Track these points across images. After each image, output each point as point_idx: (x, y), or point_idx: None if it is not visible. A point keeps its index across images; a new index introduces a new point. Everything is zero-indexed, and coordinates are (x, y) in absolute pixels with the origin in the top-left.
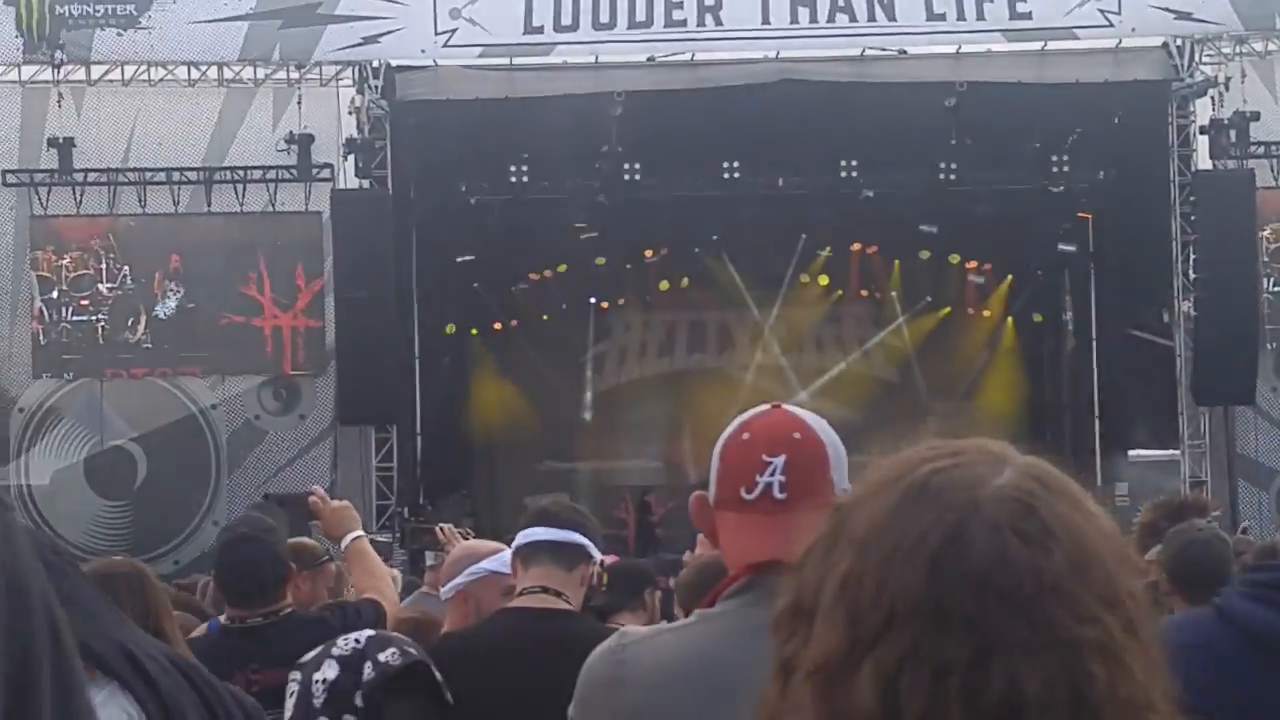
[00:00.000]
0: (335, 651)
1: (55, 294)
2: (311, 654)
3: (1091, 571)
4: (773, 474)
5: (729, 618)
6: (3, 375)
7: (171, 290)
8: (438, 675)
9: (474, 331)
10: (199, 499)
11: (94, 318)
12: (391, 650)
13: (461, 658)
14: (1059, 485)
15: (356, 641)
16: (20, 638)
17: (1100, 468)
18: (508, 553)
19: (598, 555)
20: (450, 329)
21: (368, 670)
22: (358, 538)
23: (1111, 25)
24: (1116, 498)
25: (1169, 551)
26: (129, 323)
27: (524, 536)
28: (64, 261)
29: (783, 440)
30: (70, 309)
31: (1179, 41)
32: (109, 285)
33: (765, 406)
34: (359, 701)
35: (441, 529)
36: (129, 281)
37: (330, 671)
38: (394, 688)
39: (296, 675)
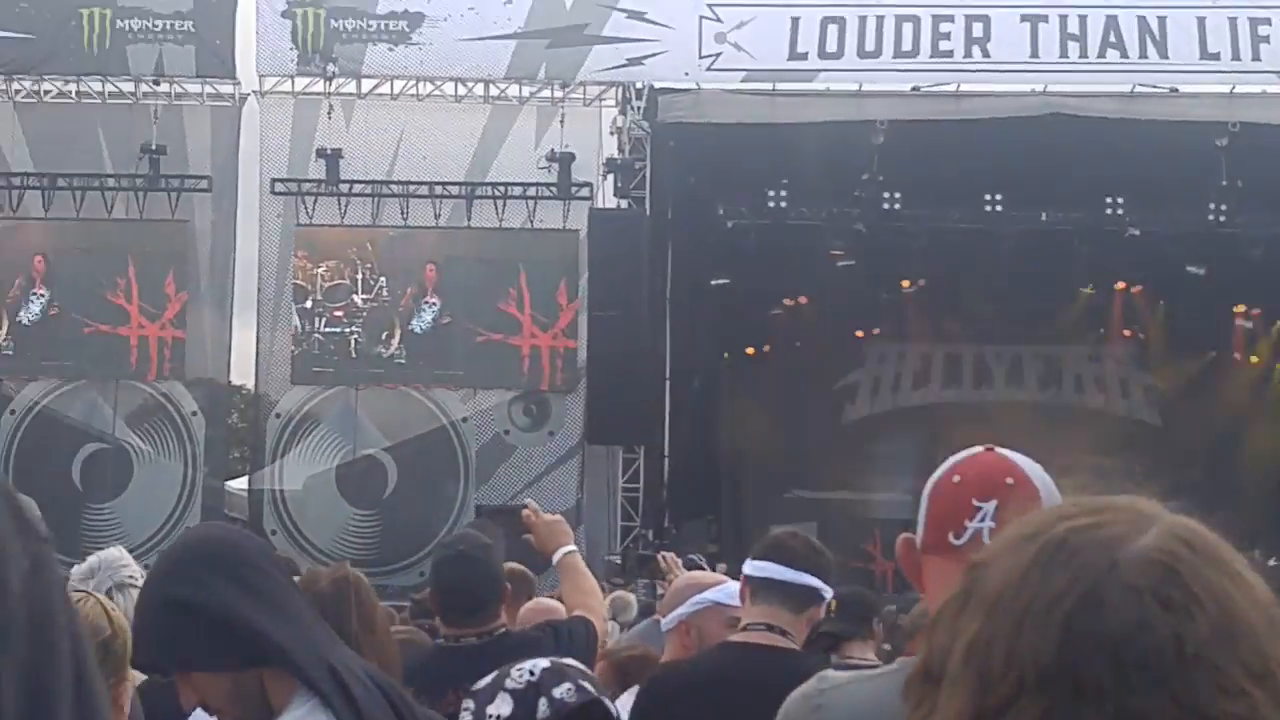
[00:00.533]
0: (509, 684)
1: (309, 303)
2: (485, 681)
3: (1239, 641)
4: (983, 520)
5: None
6: (263, 380)
7: (428, 304)
8: (614, 714)
9: (726, 355)
10: (447, 511)
11: (347, 330)
12: (567, 686)
13: (680, 689)
14: (1208, 548)
15: (530, 674)
16: (39, 674)
17: None
18: (732, 585)
19: (829, 595)
20: (703, 351)
21: (542, 707)
22: (569, 552)
23: None
24: None
25: None
26: (383, 336)
27: (757, 569)
28: (320, 270)
29: (995, 485)
30: (324, 319)
31: None
32: (364, 296)
33: (978, 448)
34: None
35: (664, 557)
36: (385, 293)
37: (504, 708)
38: None
39: (469, 704)
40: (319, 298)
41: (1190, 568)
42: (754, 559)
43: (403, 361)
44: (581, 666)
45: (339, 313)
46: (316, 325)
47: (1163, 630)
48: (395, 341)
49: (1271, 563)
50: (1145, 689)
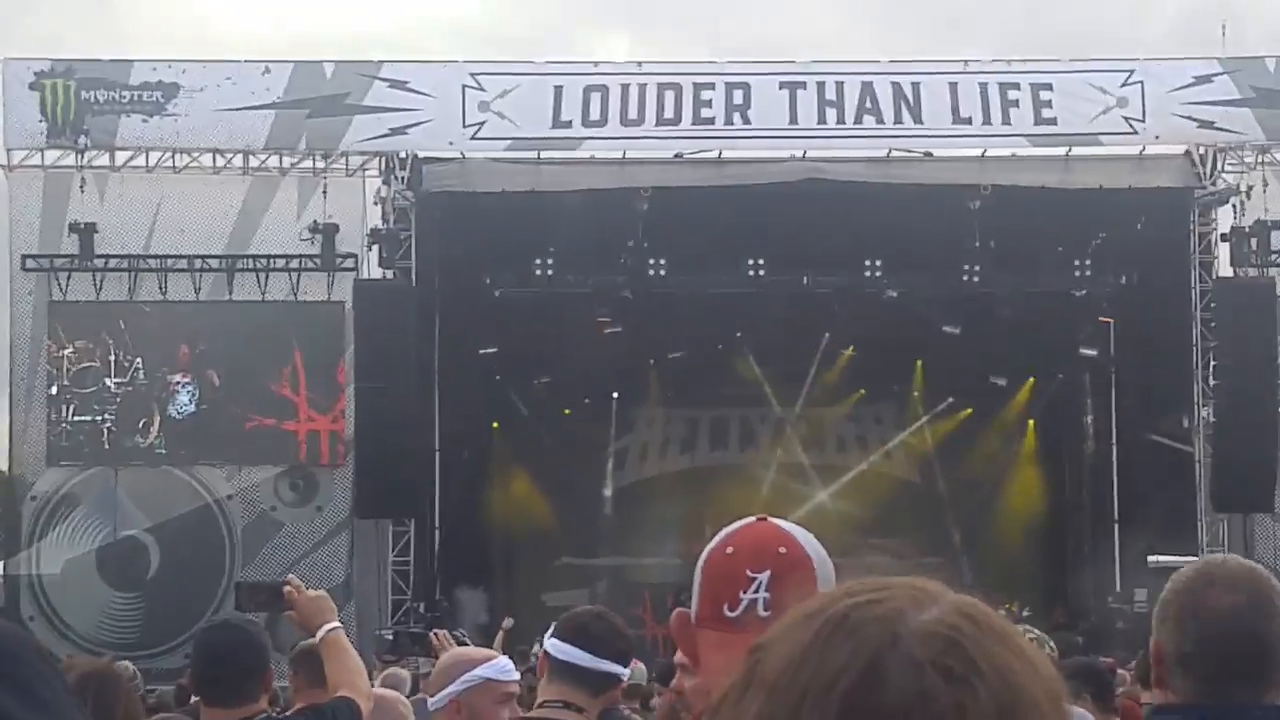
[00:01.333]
0: None
1: (55, 389)
2: None
3: (1021, 713)
4: (757, 590)
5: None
6: (17, 461)
7: (183, 385)
8: None
9: (495, 424)
10: (212, 591)
11: (99, 418)
12: None
13: None
14: (990, 622)
15: None
16: None
17: (1119, 573)
18: (503, 660)
19: (626, 674)
20: (472, 422)
21: None
22: (333, 629)
23: (1136, 133)
24: (1136, 604)
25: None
26: (140, 424)
27: (558, 650)
28: (66, 352)
29: (768, 555)
30: (73, 406)
31: (1202, 150)
32: (118, 380)
33: (750, 519)
34: None
35: (436, 634)
36: (140, 375)
37: None
38: None
39: None
40: (65, 383)
41: (973, 641)
42: (557, 639)
43: (162, 451)
44: None
45: (90, 399)
46: (65, 413)
47: (944, 703)
48: (154, 429)
49: (1025, 613)
50: None
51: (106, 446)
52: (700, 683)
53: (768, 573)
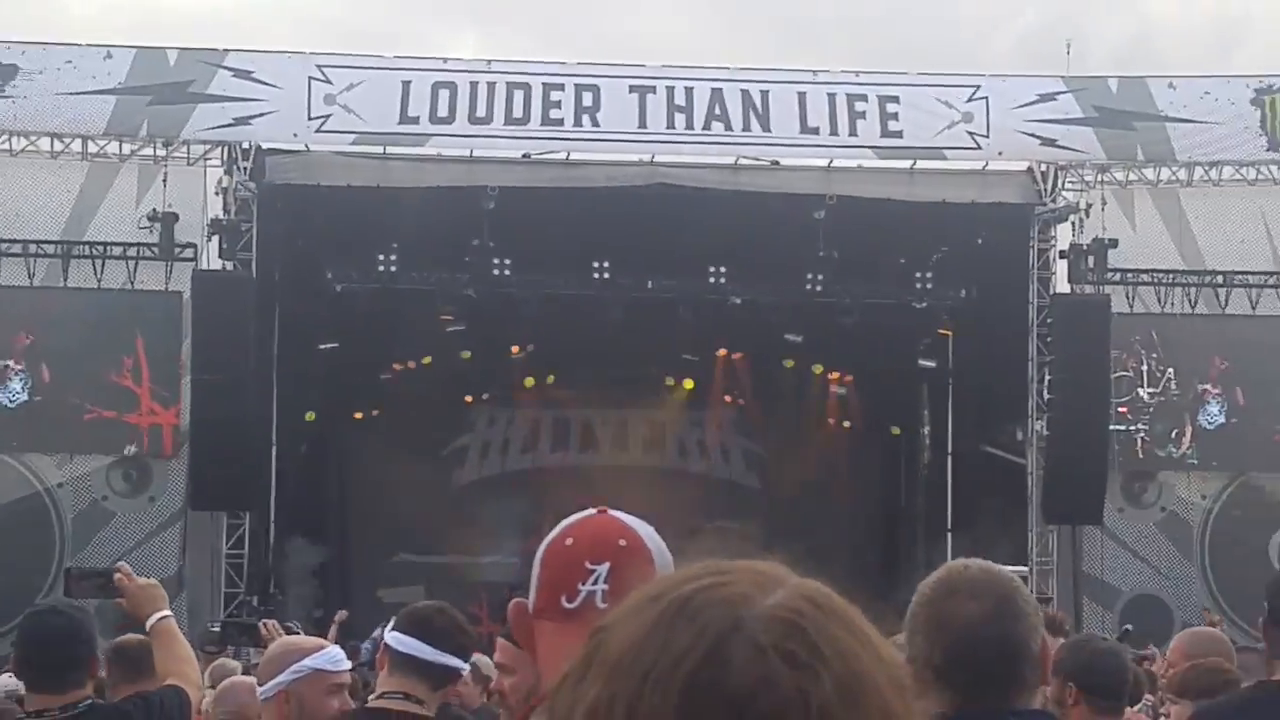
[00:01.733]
0: None
1: None
2: None
3: (865, 699)
4: (596, 582)
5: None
6: None
7: (16, 372)
8: None
9: (334, 420)
10: (40, 581)
11: None
12: None
13: None
14: (834, 607)
15: None
16: None
17: None
18: (334, 649)
19: (466, 669)
20: (310, 416)
21: None
22: (164, 618)
23: (979, 148)
24: None
25: (1077, 662)
26: None
27: (399, 642)
28: None
29: (608, 546)
30: None
31: (1044, 167)
32: None
33: (590, 511)
34: None
35: (265, 624)
36: None
37: None
38: None
39: None
40: None
41: (816, 625)
42: (398, 631)
43: None
44: None
45: None
46: None
47: (787, 688)
48: None
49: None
50: None
51: None
52: (518, 681)
53: (606, 565)
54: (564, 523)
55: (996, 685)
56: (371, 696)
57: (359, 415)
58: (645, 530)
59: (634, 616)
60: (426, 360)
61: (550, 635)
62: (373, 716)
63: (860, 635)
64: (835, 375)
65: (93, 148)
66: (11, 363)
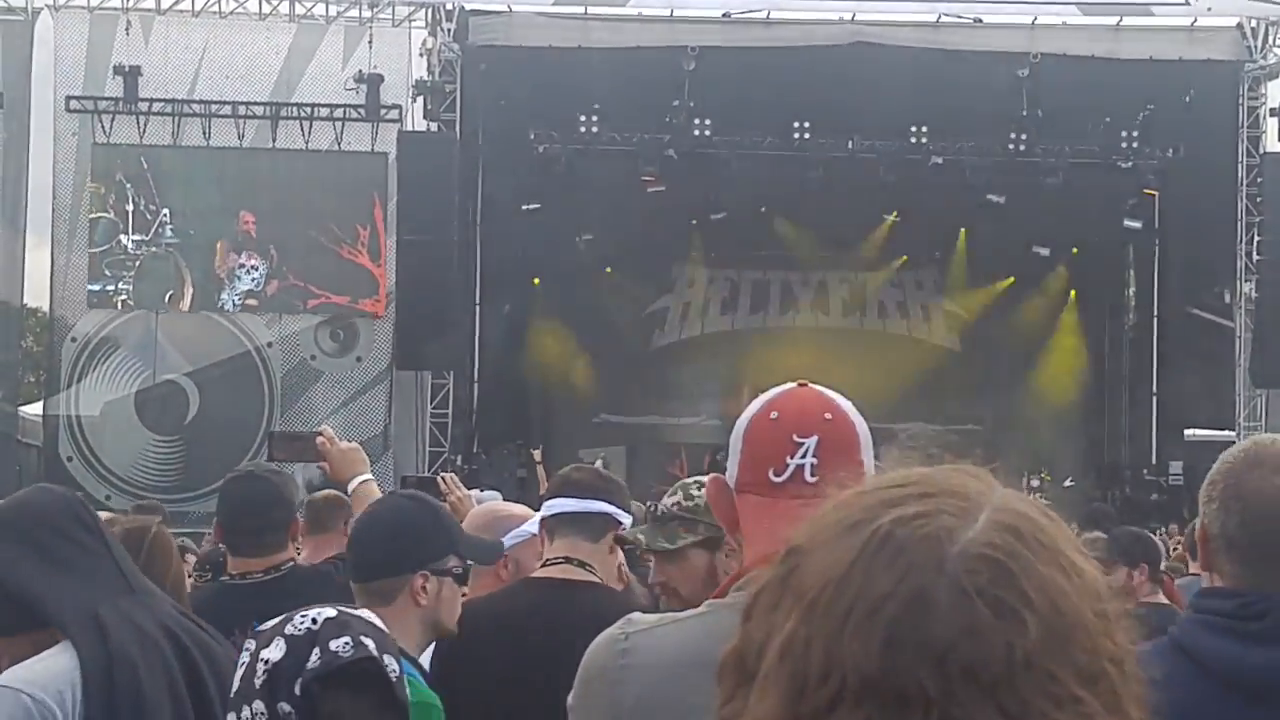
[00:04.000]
0: (289, 630)
1: (109, 226)
2: (271, 624)
3: (1072, 642)
4: (804, 455)
5: (738, 610)
6: (58, 302)
7: (249, 268)
8: (391, 672)
9: (536, 280)
10: (250, 437)
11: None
12: (345, 640)
13: (483, 628)
14: (1039, 535)
15: (313, 621)
16: None
17: (1155, 445)
18: (535, 517)
19: (626, 520)
20: (536, 281)
21: (314, 658)
22: (365, 481)
23: (1188, 4)
24: (1170, 476)
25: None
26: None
27: (548, 508)
28: (114, 193)
29: (814, 420)
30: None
31: (1254, 23)
32: (136, 238)
33: (791, 385)
34: (297, 690)
35: (443, 478)
36: (168, 233)
37: (277, 653)
38: (336, 681)
39: (250, 645)
40: (113, 218)
41: (1022, 563)
42: (545, 499)
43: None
44: (371, 618)
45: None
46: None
47: (992, 637)
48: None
49: (1068, 483)
50: (973, 700)
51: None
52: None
53: (815, 438)
54: (764, 396)
55: None
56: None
57: (560, 276)
58: (847, 404)
59: (831, 547)
60: (628, 221)
61: (757, 509)
62: (535, 587)
63: (1067, 567)
64: (1038, 236)
65: (300, 9)
66: (243, 258)
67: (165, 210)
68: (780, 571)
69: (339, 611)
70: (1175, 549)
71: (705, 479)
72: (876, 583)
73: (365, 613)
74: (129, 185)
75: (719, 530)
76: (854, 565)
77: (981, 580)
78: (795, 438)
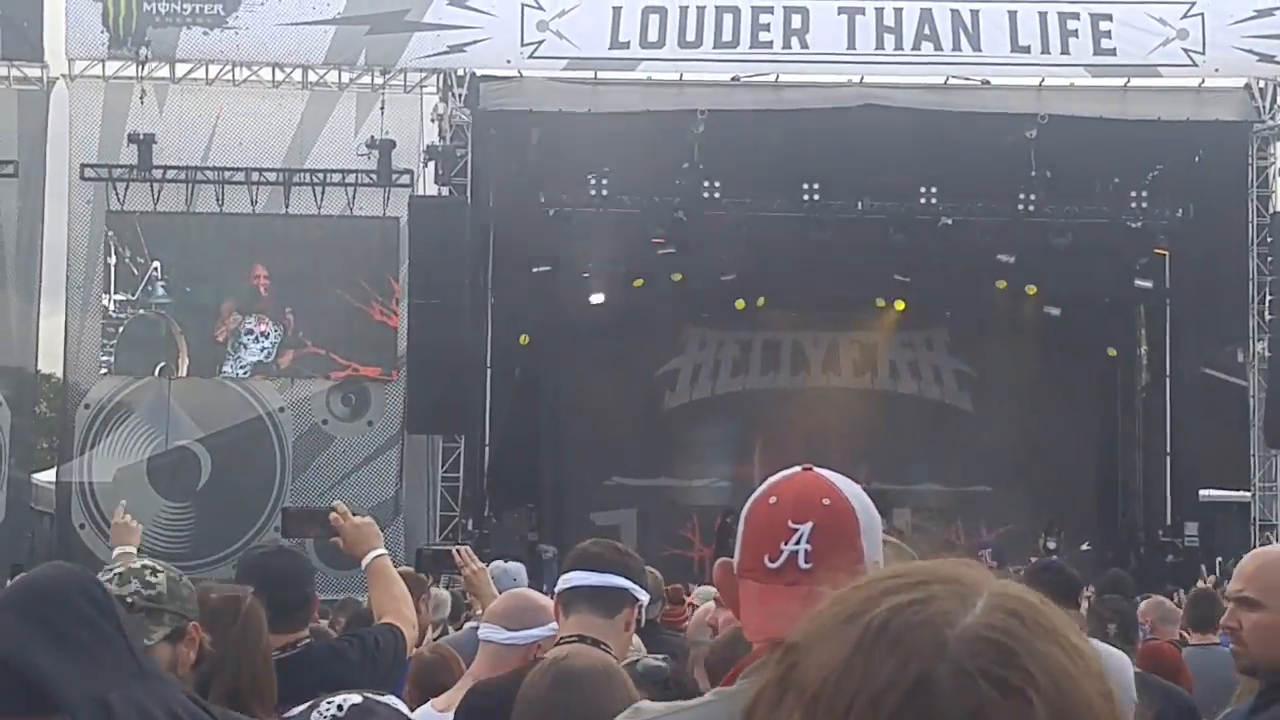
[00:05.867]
0: (315, 716)
1: (121, 292)
2: (298, 710)
3: (1075, 718)
4: (799, 542)
5: (746, 699)
6: (71, 368)
7: (261, 334)
8: None
9: (547, 343)
10: (262, 503)
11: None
12: None
13: (496, 709)
14: (1040, 618)
15: (339, 709)
16: None
17: (1170, 506)
18: None
19: (644, 597)
20: (524, 339)
21: None
22: (379, 556)
23: (1195, 65)
24: (1186, 538)
25: None
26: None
27: (564, 581)
28: (129, 257)
29: (811, 505)
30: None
31: (1261, 84)
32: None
33: (795, 469)
34: None
35: (458, 551)
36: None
37: None
38: None
39: None
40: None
41: (1025, 644)
42: (562, 573)
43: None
44: (396, 705)
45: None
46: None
47: (998, 717)
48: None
49: (1085, 547)
50: None
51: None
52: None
53: (810, 524)
54: (769, 480)
55: None
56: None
57: (571, 338)
58: (851, 489)
59: (830, 639)
60: (638, 283)
61: (753, 595)
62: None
63: (1069, 648)
64: (1049, 296)
65: (313, 77)
66: (254, 322)
67: (155, 264)
68: (779, 670)
69: (364, 698)
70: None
71: (155, 563)
72: (877, 672)
73: (391, 699)
74: (112, 234)
75: (183, 619)
76: (853, 656)
77: (984, 661)
78: (791, 523)
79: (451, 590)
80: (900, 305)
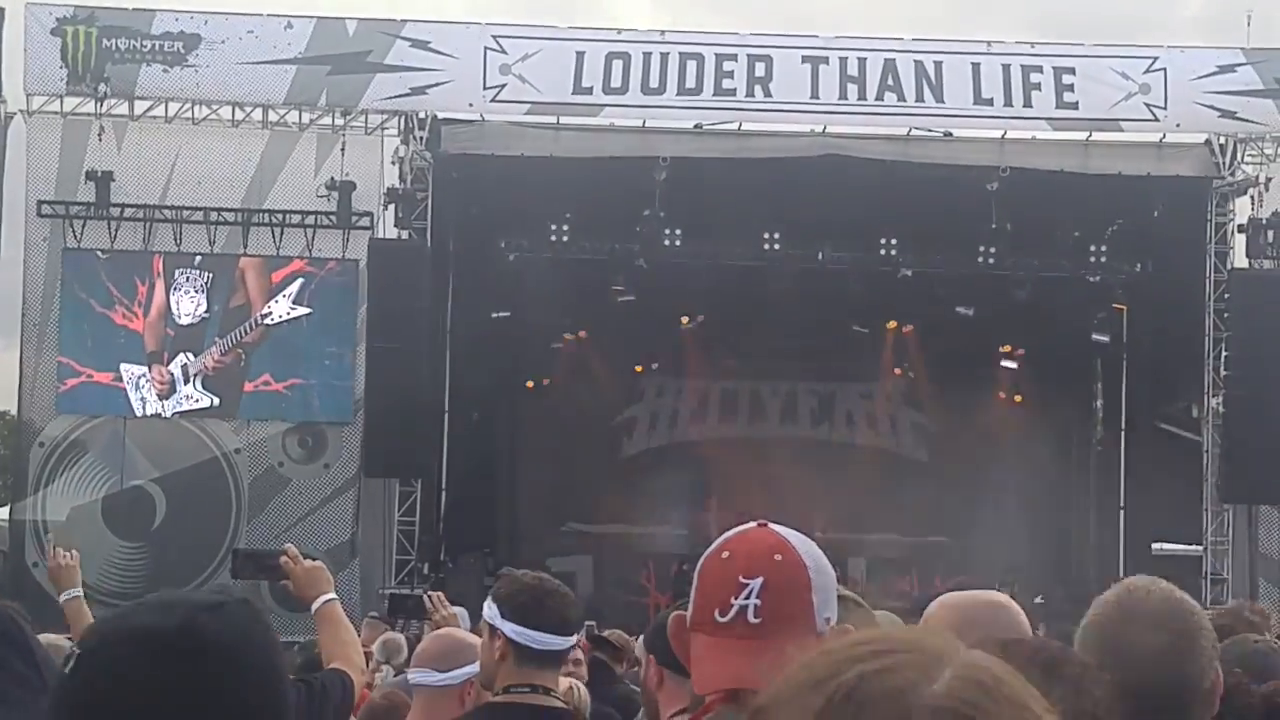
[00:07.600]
0: None
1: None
2: None
3: None
4: (748, 596)
5: None
6: (27, 407)
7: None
8: None
9: (505, 388)
10: (217, 544)
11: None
12: None
13: None
14: (1003, 690)
15: None
16: None
17: (1123, 560)
18: None
19: (570, 643)
20: (482, 385)
21: None
22: (329, 601)
23: (1156, 120)
24: None
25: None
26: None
27: (520, 635)
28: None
29: (762, 561)
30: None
31: (1222, 139)
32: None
33: (750, 524)
34: None
35: (429, 596)
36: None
37: None
38: None
39: None
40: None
41: (988, 716)
42: (516, 625)
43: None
44: None
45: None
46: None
47: None
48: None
49: (1039, 600)
50: None
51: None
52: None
53: (760, 579)
54: (723, 536)
55: (1164, 716)
56: (496, 689)
57: (530, 384)
58: (803, 545)
59: (796, 705)
60: (597, 330)
61: (702, 648)
62: (509, 712)
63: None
64: (1007, 349)
65: (273, 116)
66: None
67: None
68: None
69: None
70: None
71: None
72: None
73: None
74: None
75: None
76: None
77: None
78: (742, 578)
79: (406, 634)
80: (858, 356)
